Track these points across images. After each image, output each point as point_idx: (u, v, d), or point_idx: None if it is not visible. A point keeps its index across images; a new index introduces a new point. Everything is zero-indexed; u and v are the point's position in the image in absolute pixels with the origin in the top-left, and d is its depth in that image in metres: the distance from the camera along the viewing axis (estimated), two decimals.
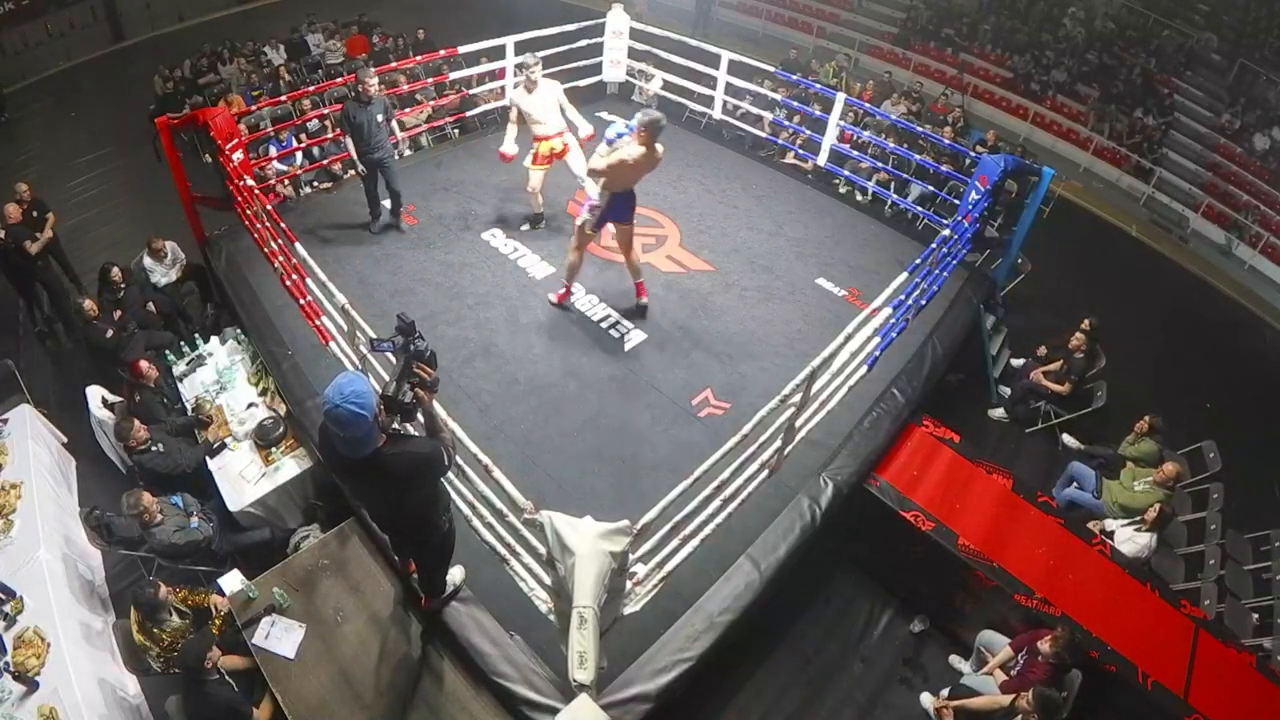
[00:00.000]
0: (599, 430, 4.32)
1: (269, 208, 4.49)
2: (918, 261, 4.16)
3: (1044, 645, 3.48)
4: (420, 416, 2.64)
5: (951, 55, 11.85)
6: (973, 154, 5.70)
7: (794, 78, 8.00)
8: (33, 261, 6.01)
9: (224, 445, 4.55)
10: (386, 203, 5.87)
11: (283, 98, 6.97)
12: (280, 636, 3.35)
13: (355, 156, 5.52)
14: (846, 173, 6.84)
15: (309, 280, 4.23)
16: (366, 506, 3.49)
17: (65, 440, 5.11)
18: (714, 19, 13.02)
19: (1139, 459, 4.91)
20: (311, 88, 7.48)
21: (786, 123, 7.66)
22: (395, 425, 2.51)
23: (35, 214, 6.12)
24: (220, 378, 5.04)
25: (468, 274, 5.48)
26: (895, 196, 7.06)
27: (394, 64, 7.59)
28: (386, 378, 2.52)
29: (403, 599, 3.53)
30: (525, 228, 5.97)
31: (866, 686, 4.08)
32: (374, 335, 2.55)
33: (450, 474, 3.31)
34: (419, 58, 7.78)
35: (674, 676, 3.23)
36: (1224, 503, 4.97)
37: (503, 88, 7.36)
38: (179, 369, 5.18)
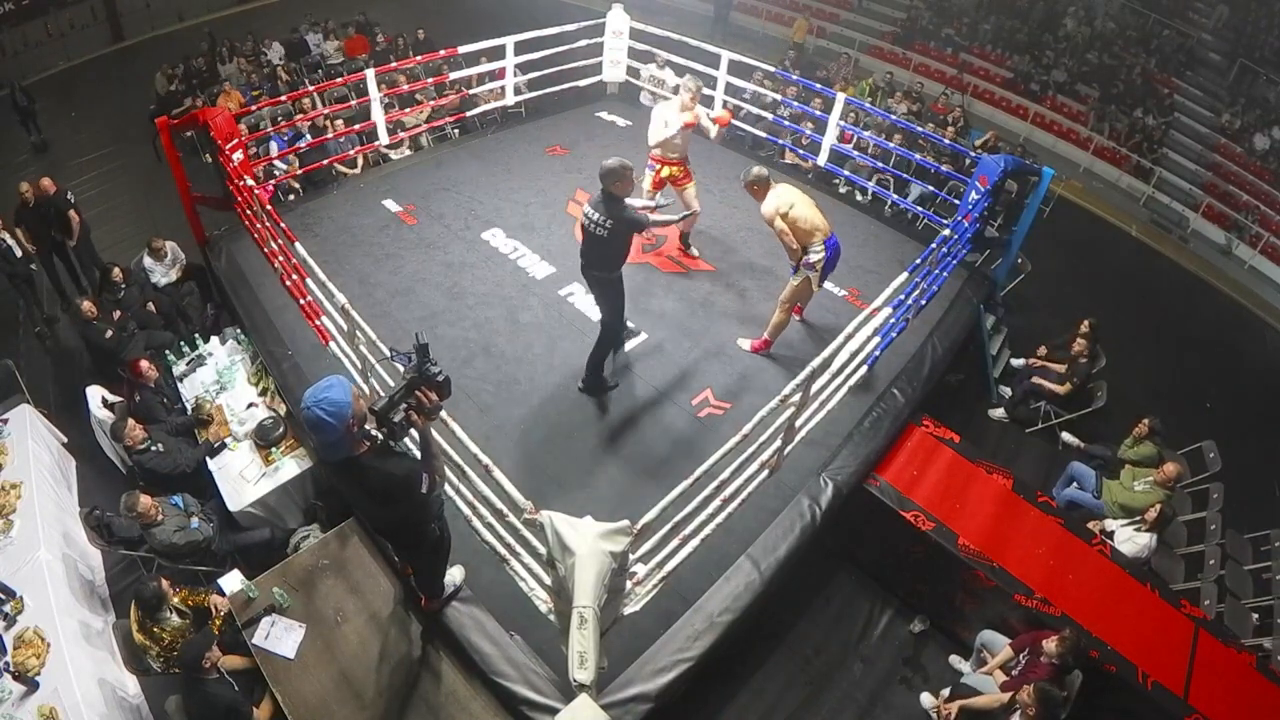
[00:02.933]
0: (599, 430, 4.32)
1: (269, 207, 4.49)
2: (918, 261, 4.16)
3: (1049, 645, 3.48)
4: (416, 439, 2.60)
5: (951, 55, 11.85)
6: (973, 154, 5.70)
7: (794, 77, 8.00)
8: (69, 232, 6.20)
9: (224, 445, 4.55)
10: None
11: (283, 98, 6.97)
12: (280, 636, 3.35)
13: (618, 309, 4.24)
14: (846, 173, 6.84)
15: (309, 280, 4.23)
16: (353, 508, 3.48)
17: (65, 440, 5.12)
18: (730, 24, 13.05)
19: (1138, 462, 4.91)
20: (311, 88, 7.48)
21: (787, 123, 7.66)
22: (380, 436, 2.46)
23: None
24: (220, 378, 5.04)
25: (468, 274, 5.48)
26: (895, 196, 7.06)
27: (394, 64, 7.60)
28: (392, 387, 2.49)
29: (403, 599, 3.53)
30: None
31: (866, 686, 4.08)
32: (393, 346, 2.51)
33: (450, 475, 3.32)
34: (419, 58, 7.79)
35: (674, 676, 3.23)
36: (1224, 503, 4.98)
37: (503, 88, 7.38)
38: (179, 369, 5.18)
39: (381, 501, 2.57)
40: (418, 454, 2.68)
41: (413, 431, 2.50)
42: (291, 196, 6.63)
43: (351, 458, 2.39)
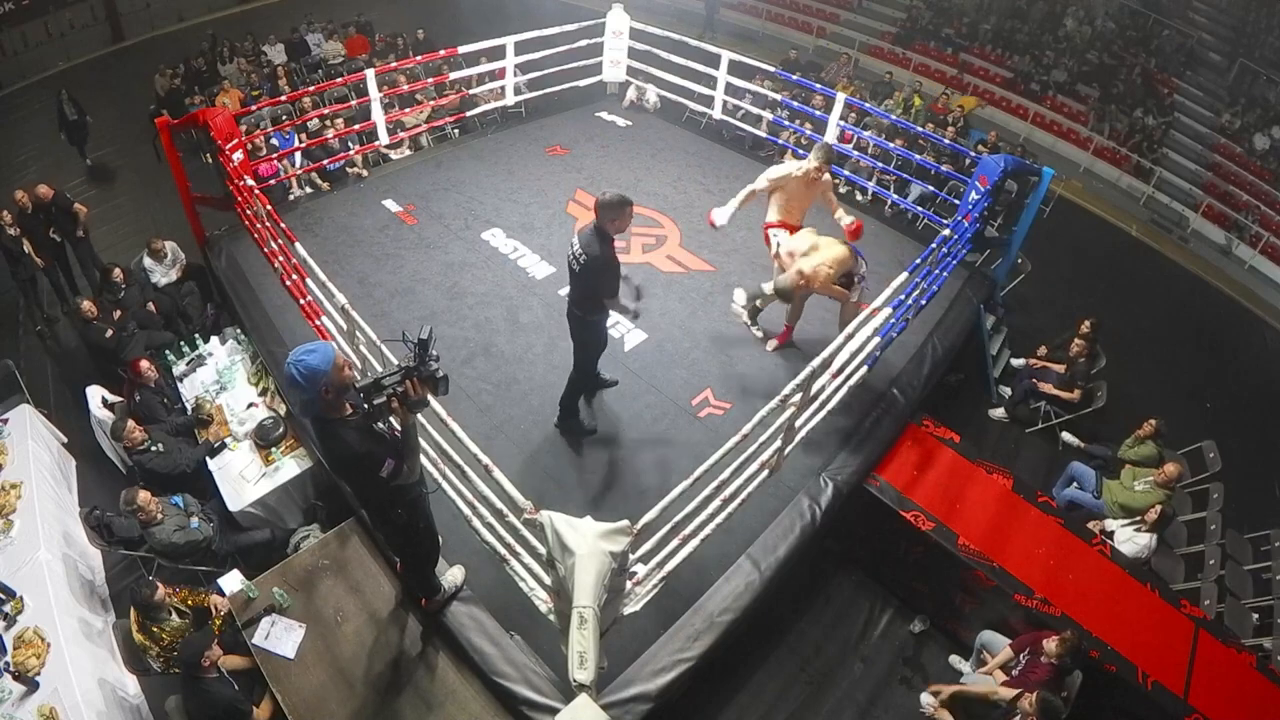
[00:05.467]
0: (599, 430, 4.32)
1: (269, 208, 4.49)
2: (918, 261, 4.16)
3: (1050, 645, 3.48)
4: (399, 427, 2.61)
5: (951, 55, 11.85)
6: (973, 154, 5.70)
7: (794, 77, 8.01)
8: (74, 229, 6.23)
9: (224, 445, 4.55)
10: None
11: (283, 98, 6.97)
12: (280, 636, 3.35)
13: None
14: (846, 173, 6.84)
15: (309, 280, 4.23)
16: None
17: (65, 440, 5.11)
18: (719, 22, 13.03)
19: (1138, 462, 4.91)
20: (311, 88, 7.48)
21: (787, 123, 7.66)
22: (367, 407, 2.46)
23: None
24: (220, 378, 5.04)
25: (468, 274, 5.48)
26: (895, 196, 7.05)
27: (394, 64, 7.59)
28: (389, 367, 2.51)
29: (403, 599, 3.53)
30: (755, 330, 5.01)
31: (866, 686, 4.08)
32: (405, 331, 2.53)
33: (450, 475, 3.32)
34: (419, 58, 7.79)
35: (674, 676, 3.23)
36: (1224, 503, 4.97)
37: (503, 88, 7.38)
38: (179, 369, 5.18)
39: (334, 468, 2.71)
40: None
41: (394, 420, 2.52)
42: (292, 196, 6.63)
43: (325, 418, 2.47)
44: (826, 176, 4.52)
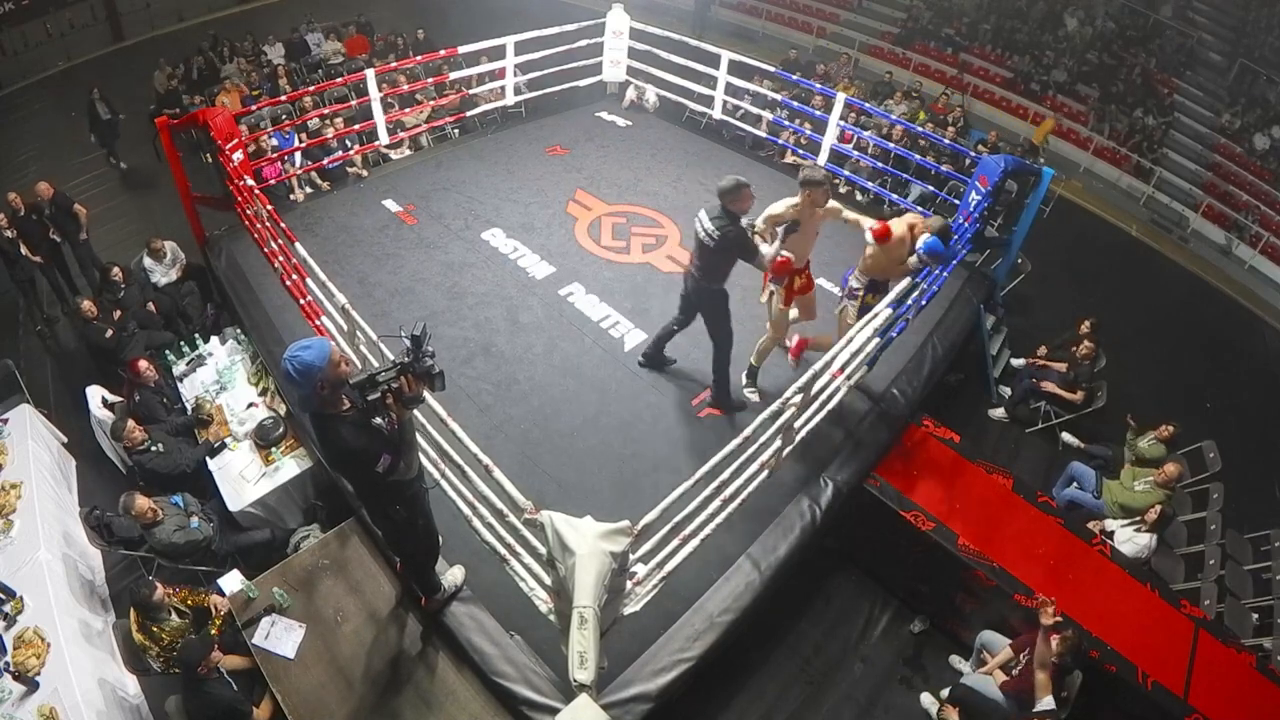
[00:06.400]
0: (599, 430, 4.32)
1: (269, 208, 4.49)
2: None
3: (1051, 644, 3.48)
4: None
5: (951, 55, 11.85)
6: (973, 154, 5.70)
7: (794, 78, 8.00)
8: (77, 230, 6.25)
9: (224, 445, 4.55)
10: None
11: (283, 98, 6.97)
12: (280, 636, 3.35)
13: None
14: (846, 173, 6.84)
15: (309, 280, 4.23)
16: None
17: (65, 440, 5.11)
18: (712, 18, 13.02)
19: (1147, 458, 4.91)
20: (311, 88, 7.49)
21: (787, 123, 7.66)
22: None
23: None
24: (220, 378, 5.04)
25: (468, 274, 5.48)
26: (895, 196, 7.05)
27: (394, 64, 7.58)
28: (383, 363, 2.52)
29: (403, 599, 3.54)
30: (752, 394, 4.53)
31: (866, 686, 4.08)
32: (402, 325, 2.56)
33: (450, 475, 3.32)
34: (419, 58, 7.79)
35: (674, 676, 3.23)
36: (1224, 503, 4.97)
37: (503, 88, 7.38)
38: (179, 369, 5.18)
39: (332, 464, 2.72)
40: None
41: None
42: (291, 196, 6.63)
43: (322, 414, 2.48)
44: (832, 203, 3.99)
